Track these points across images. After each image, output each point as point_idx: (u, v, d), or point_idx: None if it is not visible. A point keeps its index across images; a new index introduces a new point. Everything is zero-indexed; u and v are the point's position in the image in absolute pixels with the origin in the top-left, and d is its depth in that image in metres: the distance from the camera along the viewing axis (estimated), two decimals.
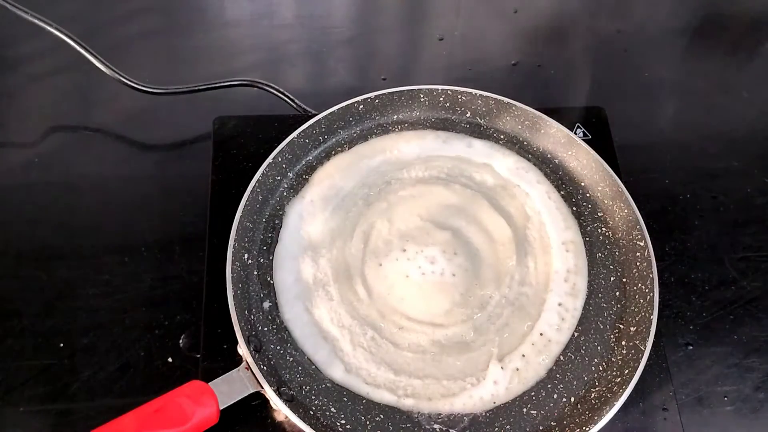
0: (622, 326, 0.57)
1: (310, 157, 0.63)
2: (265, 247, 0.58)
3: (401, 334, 0.54)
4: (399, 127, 0.66)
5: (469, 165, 0.63)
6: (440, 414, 0.52)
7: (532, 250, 0.59)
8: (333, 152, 0.64)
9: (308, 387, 0.52)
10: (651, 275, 0.57)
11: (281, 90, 0.71)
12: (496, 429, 0.52)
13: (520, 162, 0.64)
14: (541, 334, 0.55)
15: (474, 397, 0.52)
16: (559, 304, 0.57)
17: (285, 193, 0.61)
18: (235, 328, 0.52)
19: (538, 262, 0.58)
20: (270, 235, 0.59)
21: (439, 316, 0.55)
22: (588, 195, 0.63)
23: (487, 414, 0.52)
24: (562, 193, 0.63)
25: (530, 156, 0.65)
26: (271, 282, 0.57)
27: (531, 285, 0.57)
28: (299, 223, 0.59)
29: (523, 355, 0.54)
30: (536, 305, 0.57)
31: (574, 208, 0.62)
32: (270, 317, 0.55)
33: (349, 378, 0.53)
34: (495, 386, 0.53)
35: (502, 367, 0.53)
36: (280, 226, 0.59)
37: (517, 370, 0.54)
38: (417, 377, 0.53)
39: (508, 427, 0.52)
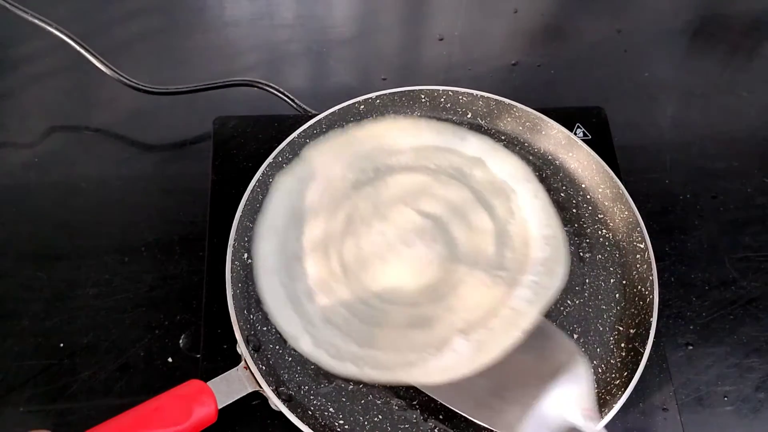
0: (621, 328, 0.56)
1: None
2: None
3: (371, 313, 0.54)
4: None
5: (459, 158, 0.63)
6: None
7: (511, 243, 0.58)
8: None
9: (307, 387, 0.52)
10: (651, 277, 0.56)
11: (281, 90, 0.71)
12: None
13: (510, 159, 0.63)
14: (511, 308, 0.54)
15: (433, 366, 0.52)
16: (534, 282, 0.56)
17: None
18: (234, 328, 0.52)
19: (516, 253, 0.58)
20: None
21: (411, 296, 0.55)
22: (588, 197, 0.63)
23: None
24: (562, 195, 0.63)
25: (531, 157, 0.65)
26: None
27: (507, 269, 0.57)
28: (285, 197, 0.59)
29: (489, 328, 0.53)
30: (510, 284, 0.56)
31: (574, 210, 0.62)
32: (269, 317, 0.55)
33: (315, 351, 0.53)
34: (456, 355, 0.52)
35: (465, 339, 0.53)
36: (265, 195, 0.59)
37: (481, 341, 0.52)
38: (380, 350, 0.53)
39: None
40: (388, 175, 0.61)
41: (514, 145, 0.65)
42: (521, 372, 0.52)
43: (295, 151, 0.62)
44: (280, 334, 0.54)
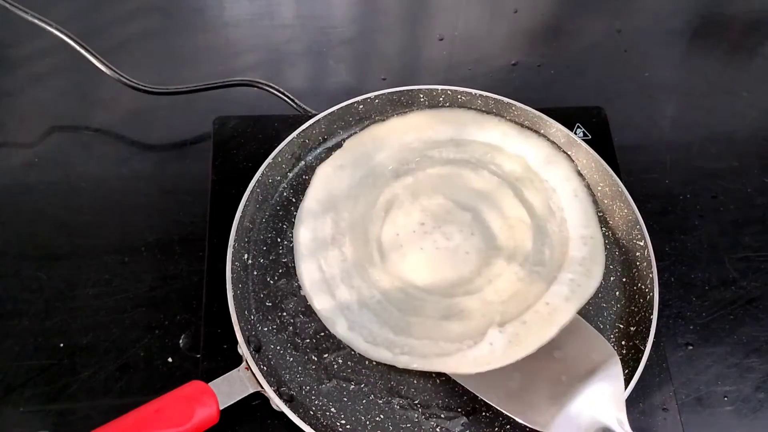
0: (621, 326, 0.57)
1: (310, 157, 0.63)
2: (264, 247, 0.58)
3: (408, 301, 0.55)
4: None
5: (501, 153, 0.63)
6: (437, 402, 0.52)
7: (550, 241, 0.59)
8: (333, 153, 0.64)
9: (308, 387, 0.52)
10: (651, 275, 0.57)
11: (281, 90, 0.71)
12: (496, 428, 0.52)
13: (554, 156, 0.63)
14: (547, 303, 0.55)
15: (468, 357, 0.52)
16: (571, 280, 0.56)
17: (285, 193, 0.61)
18: (235, 328, 0.52)
19: (554, 252, 0.58)
20: (270, 235, 0.59)
21: (447, 288, 0.56)
22: None
23: (487, 414, 0.52)
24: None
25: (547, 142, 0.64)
26: (271, 282, 0.57)
27: (544, 265, 0.57)
28: (326, 184, 0.60)
29: (525, 322, 0.54)
30: (547, 281, 0.56)
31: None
32: (270, 317, 0.55)
33: (351, 335, 0.54)
34: (491, 347, 0.52)
35: (500, 332, 0.53)
36: (306, 185, 0.61)
37: (517, 334, 0.53)
38: (415, 338, 0.53)
39: (508, 426, 0.52)
40: (429, 166, 0.62)
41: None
42: (555, 369, 0.52)
43: (297, 156, 0.62)
44: (280, 334, 0.54)
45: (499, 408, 0.50)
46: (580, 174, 0.63)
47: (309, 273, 0.56)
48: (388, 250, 0.57)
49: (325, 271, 0.56)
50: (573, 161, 0.63)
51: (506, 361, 0.52)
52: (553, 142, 0.64)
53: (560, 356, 0.53)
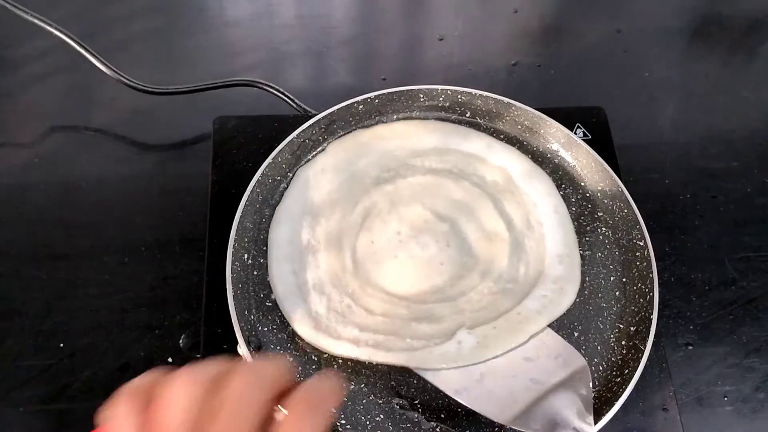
0: (621, 326, 0.56)
1: (310, 157, 0.63)
2: (264, 247, 0.58)
3: (377, 303, 0.55)
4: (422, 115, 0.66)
5: (483, 165, 0.63)
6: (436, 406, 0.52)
7: (526, 257, 0.59)
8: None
9: None
10: (651, 275, 0.56)
11: (281, 90, 0.71)
12: (496, 428, 0.52)
13: (535, 171, 0.63)
14: (518, 313, 0.55)
15: (434, 353, 0.53)
16: (543, 296, 0.57)
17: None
18: (235, 328, 0.52)
19: (529, 269, 0.58)
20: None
21: (419, 295, 0.56)
22: (588, 195, 0.63)
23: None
24: (561, 193, 0.63)
25: (530, 156, 0.65)
26: (271, 282, 0.57)
27: (518, 282, 0.57)
28: (305, 187, 0.60)
29: (495, 327, 0.54)
30: (520, 296, 0.57)
31: (573, 209, 0.62)
32: (270, 317, 0.55)
33: (315, 335, 0.53)
34: (458, 346, 0.53)
35: (469, 333, 0.54)
36: (286, 188, 0.61)
37: (486, 336, 0.54)
38: (382, 334, 0.54)
39: (509, 426, 0.52)
40: (410, 174, 0.62)
41: (513, 144, 0.65)
42: (523, 372, 0.52)
43: (297, 156, 0.62)
44: (281, 334, 0.54)
45: (468, 406, 0.50)
46: (559, 190, 0.63)
47: (281, 277, 0.56)
48: (363, 258, 0.57)
49: (299, 276, 0.56)
50: (554, 178, 0.63)
51: (472, 361, 0.52)
52: (535, 159, 0.64)
53: (530, 362, 0.53)
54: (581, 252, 0.60)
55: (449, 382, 0.52)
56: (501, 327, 0.54)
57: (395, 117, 0.66)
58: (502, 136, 0.66)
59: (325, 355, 0.54)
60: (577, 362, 0.53)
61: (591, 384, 0.52)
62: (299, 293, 0.55)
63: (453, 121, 0.66)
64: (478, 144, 0.64)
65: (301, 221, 0.59)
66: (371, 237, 0.58)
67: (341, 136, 0.64)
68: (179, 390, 0.34)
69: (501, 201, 0.61)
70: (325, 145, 0.63)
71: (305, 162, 0.62)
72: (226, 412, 0.33)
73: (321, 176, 0.61)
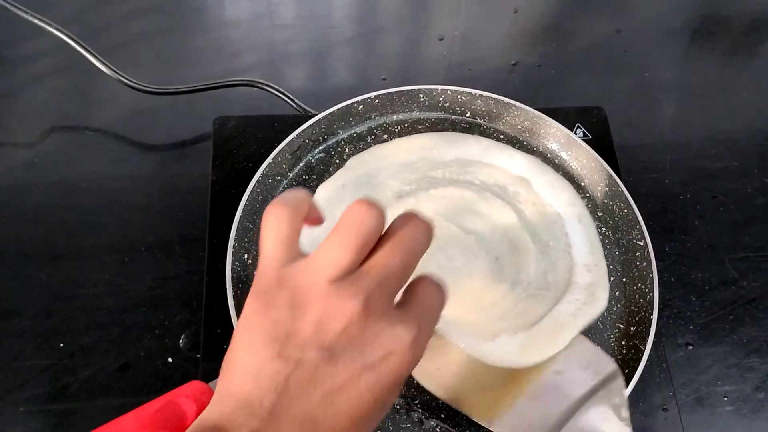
0: (621, 326, 0.57)
1: (310, 157, 0.63)
2: None
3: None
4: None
5: (505, 176, 0.62)
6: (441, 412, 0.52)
7: (554, 267, 0.58)
8: (337, 151, 0.64)
9: None
10: (651, 275, 0.57)
11: (281, 90, 0.71)
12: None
13: (557, 181, 0.63)
14: (554, 318, 0.55)
15: (480, 348, 0.51)
16: (577, 299, 0.56)
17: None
18: None
19: (558, 278, 0.57)
20: None
21: (450, 307, 0.54)
22: (588, 195, 0.63)
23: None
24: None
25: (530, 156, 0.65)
26: None
27: (548, 289, 0.57)
28: (328, 205, 0.58)
29: (534, 334, 0.53)
30: (551, 301, 0.56)
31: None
32: None
33: None
34: (501, 348, 0.52)
35: (511, 336, 0.53)
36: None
37: (525, 345, 0.53)
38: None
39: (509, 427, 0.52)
40: (432, 187, 0.60)
41: (513, 144, 0.65)
42: (554, 387, 0.51)
43: (297, 156, 0.62)
44: None
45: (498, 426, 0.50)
46: (583, 199, 0.62)
47: None
48: None
49: None
50: (573, 187, 0.62)
51: (515, 365, 0.51)
52: (557, 168, 0.64)
53: (560, 376, 0.52)
54: None
55: (481, 410, 0.51)
56: (540, 331, 0.53)
57: (395, 117, 0.66)
58: (502, 137, 0.66)
59: None
60: (608, 368, 0.51)
61: (624, 389, 0.50)
62: None
63: (453, 122, 0.66)
64: (497, 153, 0.63)
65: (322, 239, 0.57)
66: None
67: (361, 150, 0.63)
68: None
69: (523, 212, 0.60)
70: (335, 140, 0.63)
71: (326, 178, 0.61)
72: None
73: (342, 191, 0.60)
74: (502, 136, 0.66)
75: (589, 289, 0.57)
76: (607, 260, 0.59)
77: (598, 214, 0.62)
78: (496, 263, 0.57)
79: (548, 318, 0.54)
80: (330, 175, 0.62)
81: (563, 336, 0.53)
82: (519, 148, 0.65)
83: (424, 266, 0.55)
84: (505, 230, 0.59)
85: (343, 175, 0.61)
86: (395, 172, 0.62)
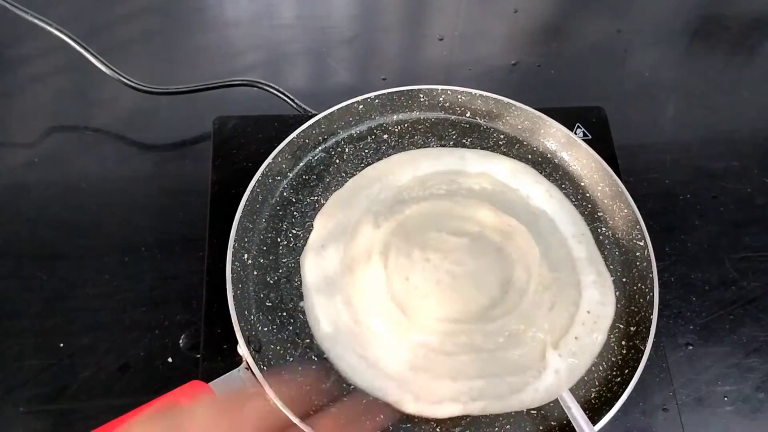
0: (621, 326, 0.56)
1: (310, 157, 0.63)
2: (264, 247, 0.58)
3: (451, 340, 0.53)
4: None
5: (465, 177, 0.62)
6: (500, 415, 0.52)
7: (548, 243, 0.58)
8: (337, 151, 0.64)
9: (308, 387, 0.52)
10: (651, 275, 0.57)
11: (281, 90, 0.71)
12: (496, 428, 0.52)
13: (514, 165, 0.63)
14: (588, 312, 0.56)
15: (539, 390, 0.52)
16: (594, 282, 0.57)
17: (285, 193, 0.61)
18: (235, 329, 0.52)
19: (559, 253, 0.58)
20: (270, 235, 0.59)
21: (484, 311, 0.54)
22: (588, 195, 0.63)
23: (487, 414, 0.52)
24: (563, 191, 0.63)
25: (530, 156, 0.65)
26: (271, 282, 0.57)
27: (560, 270, 0.57)
28: (317, 271, 0.57)
29: (576, 338, 0.54)
30: (573, 285, 0.56)
31: (574, 207, 0.62)
32: (270, 317, 0.55)
33: (419, 406, 0.51)
34: (556, 375, 0.53)
35: (559, 355, 0.53)
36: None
37: (574, 353, 0.54)
38: (480, 378, 0.52)
39: (508, 426, 0.52)
40: (406, 208, 0.59)
41: (513, 144, 0.65)
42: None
43: (297, 156, 0.62)
44: (280, 333, 0.54)
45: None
46: (547, 178, 0.63)
47: (353, 367, 0.53)
48: (405, 299, 0.53)
49: (367, 358, 0.53)
50: (538, 169, 0.63)
51: (570, 384, 0.53)
52: (535, 158, 0.64)
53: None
54: None
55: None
56: (581, 334, 0.55)
57: (395, 117, 0.66)
58: (502, 137, 0.66)
59: (325, 356, 0.54)
60: None
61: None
62: (377, 372, 0.52)
63: (453, 122, 0.66)
64: (450, 159, 0.63)
65: (332, 302, 0.55)
66: (404, 275, 0.54)
67: (321, 207, 0.60)
68: None
69: (498, 202, 0.60)
70: (335, 140, 0.63)
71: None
72: None
73: (324, 252, 0.58)
74: (502, 137, 0.66)
75: (593, 264, 0.58)
76: (606, 260, 0.59)
77: (598, 214, 0.62)
78: (501, 254, 0.56)
79: (582, 313, 0.56)
80: (329, 176, 0.62)
81: (601, 329, 0.56)
82: (519, 148, 0.65)
83: (439, 280, 0.54)
84: (491, 222, 0.58)
85: (316, 237, 0.59)
86: (364, 208, 0.60)
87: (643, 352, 0.53)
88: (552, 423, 0.52)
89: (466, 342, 0.53)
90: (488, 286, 0.55)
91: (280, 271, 0.57)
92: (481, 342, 0.53)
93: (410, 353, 0.52)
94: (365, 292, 0.55)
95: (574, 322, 0.55)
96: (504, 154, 0.65)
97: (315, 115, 0.63)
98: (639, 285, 0.57)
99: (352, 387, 0.52)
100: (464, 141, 0.65)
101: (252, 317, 0.55)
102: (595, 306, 0.56)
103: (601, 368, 0.55)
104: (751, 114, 0.79)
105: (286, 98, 0.71)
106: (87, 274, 0.61)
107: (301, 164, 0.63)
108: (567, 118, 0.66)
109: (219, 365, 0.52)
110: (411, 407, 0.51)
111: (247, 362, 0.50)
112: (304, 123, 0.62)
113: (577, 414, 0.50)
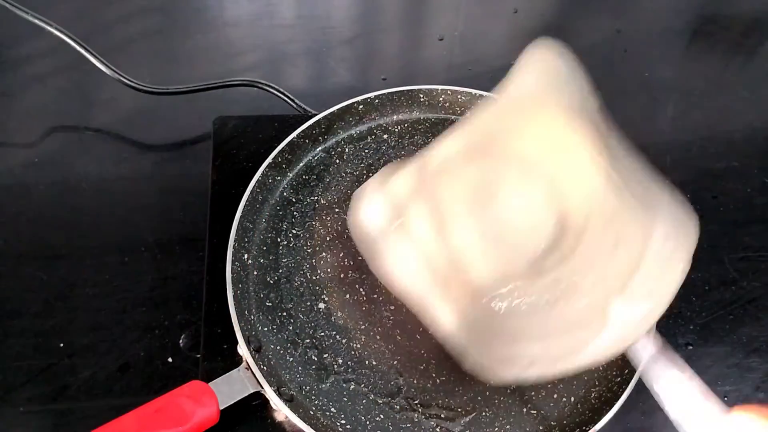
0: None
1: (310, 157, 0.63)
2: (264, 247, 0.58)
3: (504, 302, 0.45)
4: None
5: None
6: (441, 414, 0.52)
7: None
8: (337, 151, 0.64)
9: (308, 387, 0.52)
10: None
11: (281, 90, 0.71)
12: (496, 428, 0.52)
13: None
14: (663, 239, 0.45)
15: (602, 344, 0.45)
16: (668, 202, 0.48)
17: (285, 193, 0.61)
18: (235, 328, 0.52)
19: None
20: (270, 235, 0.59)
21: (537, 259, 0.46)
22: None
23: (487, 414, 0.52)
24: None
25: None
26: (271, 282, 0.57)
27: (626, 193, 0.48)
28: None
29: (649, 271, 0.45)
30: (643, 203, 0.47)
31: None
32: (270, 317, 0.55)
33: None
34: (623, 325, 0.45)
35: (623, 303, 0.45)
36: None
37: (648, 290, 0.45)
38: (535, 340, 0.45)
39: (508, 426, 0.52)
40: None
41: None
42: None
43: (297, 156, 0.62)
44: (280, 333, 0.54)
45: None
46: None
47: None
48: (451, 272, 0.47)
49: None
50: None
51: (644, 331, 0.46)
52: None
53: None
54: None
55: None
56: (650, 266, 0.44)
57: (395, 117, 0.66)
58: None
59: (325, 356, 0.54)
60: None
61: None
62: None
63: (453, 122, 0.66)
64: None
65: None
66: (445, 244, 0.47)
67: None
68: None
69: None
70: (335, 140, 0.62)
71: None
72: None
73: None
74: None
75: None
76: None
77: None
78: (552, 185, 0.48)
79: (654, 241, 0.44)
80: (329, 176, 0.62)
81: (675, 275, 0.46)
82: None
83: (486, 236, 0.45)
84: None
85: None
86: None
87: None
88: (552, 423, 0.52)
89: (516, 307, 0.45)
90: (538, 217, 0.46)
91: (280, 271, 0.57)
92: (536, 298, 0.45)
93: (469, 318, 0.46)
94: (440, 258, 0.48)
95: (645, 254, 0.45)
96: None
97: (315, 115, 0.63)
98: None
99: (351, 386, 0.53)
100: None
101: (252, 317, 0.55)
102: (673, 230, 0.46)
103: (601, 368, 0.55)
104: (751, 114, 0.79)
105: (286, 98, 0.71)
106: (87, 274, 0.61)
107: (301, 164, 0.63)
108: None
109: (219, 365, 0.52)
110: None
111: (247, 362, 0.51)
112: (304, 123, 0.62)
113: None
